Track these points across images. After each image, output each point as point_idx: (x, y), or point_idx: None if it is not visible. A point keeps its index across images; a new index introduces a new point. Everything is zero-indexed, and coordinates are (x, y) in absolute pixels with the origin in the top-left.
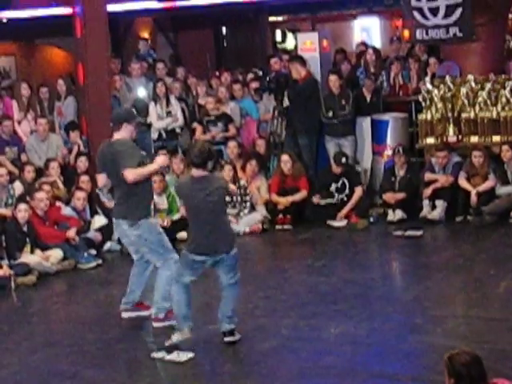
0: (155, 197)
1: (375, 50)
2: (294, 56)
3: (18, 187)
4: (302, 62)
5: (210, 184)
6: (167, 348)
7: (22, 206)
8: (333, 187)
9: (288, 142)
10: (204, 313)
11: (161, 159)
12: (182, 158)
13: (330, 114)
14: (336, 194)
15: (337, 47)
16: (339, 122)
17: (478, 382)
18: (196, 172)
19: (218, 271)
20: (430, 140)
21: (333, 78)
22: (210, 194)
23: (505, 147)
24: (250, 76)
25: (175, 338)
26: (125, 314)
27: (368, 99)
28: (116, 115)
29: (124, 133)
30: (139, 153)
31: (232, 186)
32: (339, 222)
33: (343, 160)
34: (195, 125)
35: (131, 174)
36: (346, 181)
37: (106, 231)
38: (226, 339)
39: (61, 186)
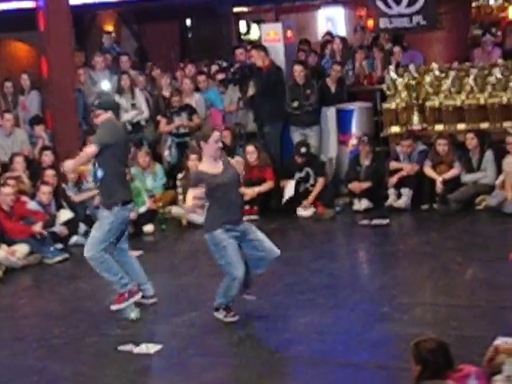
0: None
1: (342, 39)
2: (254, 45)
3: None
4: (263, 49)
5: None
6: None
7: None
8: (296, 176)
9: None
10: (170, 305)
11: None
12: (147, 150)
13: (295, 104)
14: (301, 184)
15: (301, 38)
16: (304, 112)
17: (444, 369)
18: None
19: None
20: (395, 129)
21: (298, 68)
22: (230, 171)
23: (469, 135)
24: (215, 67)
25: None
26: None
27: (333, 89)
28: (101, 102)
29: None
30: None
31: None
32: (306, 211)
33: (303, 150)
34: (159, 117)
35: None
36: (310, 170)
37: (72, 225)
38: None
39: (26, 180)
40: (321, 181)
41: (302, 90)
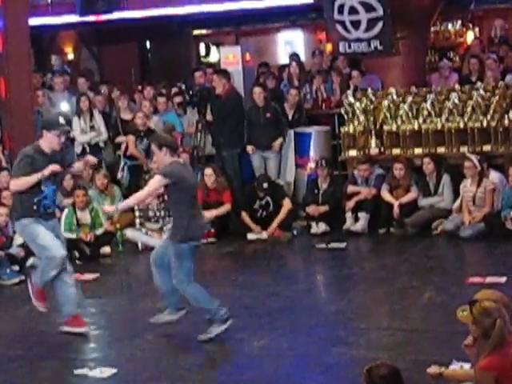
0: (78, 212)
1: (298, 62)
2: (218, 70)
3: None
4: (226, 75)
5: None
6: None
7: None
8: (257, 205)
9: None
10: (126, 328)
11: (50, 167)
12: (105, 173)
13: (254, 126)
14: (260, 211)
15: (261, 61)
16: (263, 134)
17: None
18: (179, 159)
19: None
20: (353, 152)
21: (257, 90)
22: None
23: (426, 159)
24: (174, 90)
25: (216, 330)
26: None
27: (290, 116)
28: (42, 121)
29: (43, 140)
30: (34, 164)
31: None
32: (258, 235)
33: (265, 185)
34: (121, 138)
35: (12, 185)
36: (269, 199)
37: (28, 247)
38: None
39: None
40: (286, 204)
41: (261, 112)
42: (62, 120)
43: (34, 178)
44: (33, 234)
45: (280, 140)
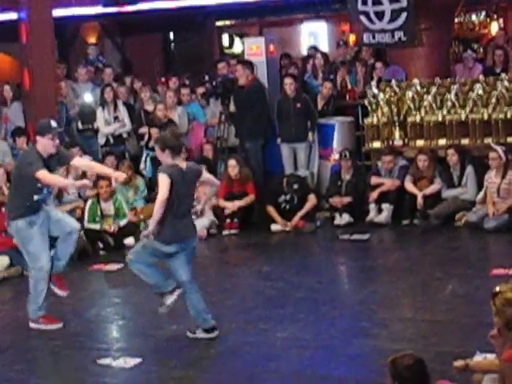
0: (102, 203)
1: (323, 54)
2: (241, 60)
3: None
4: (250, 66)
5: (191, 174)
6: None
7: None
8: (282, 199)
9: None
10: (151, 318)
11: (82, 182)
12: (129, 163)
13: (284, 117)
14: (284, 204)
15: (284, 52)
16: (293, 125)
17: None
18: (178, 159)
19: (175, 265)
20: (376, 144)
21: (288, 80)
22: (191, 184)
23: (450, 151)
24: (197, 81)
25: (168, 301)
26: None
27: (320, 107)
28: (36, 128)
29: (39, 145)
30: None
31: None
32: (280, 227)
33: (295, 186)
34: (144, 129)
35: (47, 179)
36: (295, 195)
37: (52, 238)
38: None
39: (7, 192)
40: (311, 199)
41: (291, 103)
42: (53, 123)
43: (65, 182)
44: (26, 239)
45: (311, 133)
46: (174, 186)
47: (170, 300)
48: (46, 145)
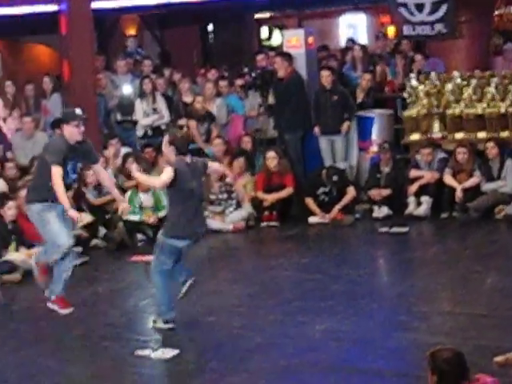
0: (140, 194)
1: (362, 46)
2: (281, 52)
3: (0, 185)
4: (288, 58)
5: (197, 168)
6: (152, 346)
7: (11, 204)
8: (320, 191)
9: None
10: (189, 309)
11: (75, 214)
12: None
13: (321, 109)
14: (323, 196)
15: (322, 44)
16: (330, 117)
17: (460, 378)
18: (186, 158)
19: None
20: (416, 136)
21: (325, 73)
22: (199, 177)
23: (490, 144)
24: (236, 73)
25: (160, 325)
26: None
27: (360, 99)
28: (60, 116)
29: (66, 133)
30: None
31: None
32: (320, 219)
33: (335, 178)
34: (183, 121)
35: (54, 178)
36: (334, 188)
37: (92, 228)
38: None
39: None
40: (350, 191)
41: (328, 95)
42: (77, 111)
43: (63, 198)
44: (44, 221)
45: (347, 123)
46: (182, 178)
47: (159, 325)
48: (71, 132)
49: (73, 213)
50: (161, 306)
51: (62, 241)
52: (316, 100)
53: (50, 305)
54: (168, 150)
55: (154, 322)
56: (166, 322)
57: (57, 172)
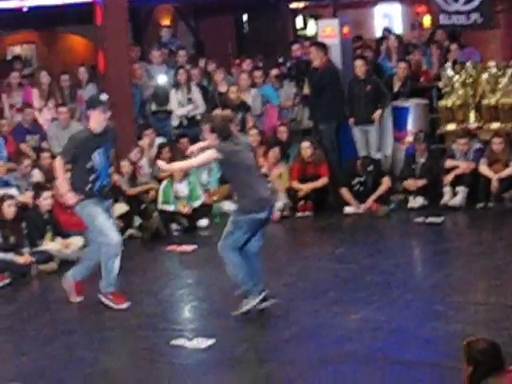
0: (176, 184)
1: (397, 36)
2: (316, 42)
3: (36, 175)
4: (324, 48)
5: (245, 145)
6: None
7: (46, 194)
8: (355, 181)
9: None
10: (224, 299)
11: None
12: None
13: (355, 99)
14: (358, 186)
15: (357, 34)
16: (364, 107)
17: (495, 369)
18: (231, 139)
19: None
20: (451, 126)
21: (359, 62)
22: (250, 152)
23: None
24: (271, 63)
25: (248, 305)
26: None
27: (396, 89)
28: (86, 103)
29: (92, 121)
30: (80, 151)
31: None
32: (355, 209)
33: (370, 168)
34: (218, 111)
35: (55, 166)
36: (369, 178)
37: (127, 219)
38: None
39: None
40: (385, 181)
41: (362, 85)
42: (103, 96)
43: (62, 186)
44: (92, 216)
45: (379, 111)
46: (234, 155)
47: (247, 306)
48: (98, 118)
49: (69, 195)
50: (244, 285)
51: (110, 238)
52: (350, 90)
53: (102, 298)
54: (211, 138)
55: (241, 307)
56: (260, 293)
57: (59, 163)
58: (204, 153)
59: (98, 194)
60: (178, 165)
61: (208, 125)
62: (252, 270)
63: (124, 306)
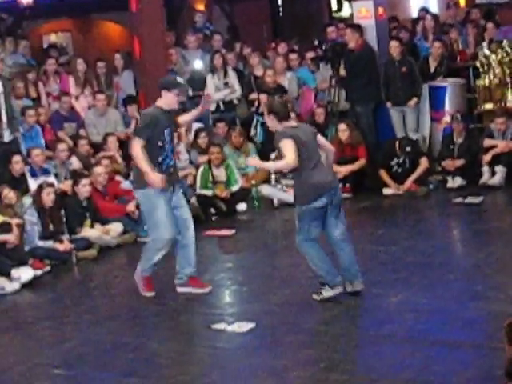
0: (213, 169)
1: (433, 16)
2: (351, 24)
3: (74, 162)
4: (359, 30)
5: (307, 129)
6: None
7: (85, 181)
8: (394, 162)
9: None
10: (264, 283)
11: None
12: (240, 130)
13: (391, 81)
14: (396, 167)
15: (392, 15)
16: (400, 89)
17: None
18: (290, 122)
19: (329, 219)
20: (489, 106)
21: (394, 44)
22: (312, 137)
23: None
24: (306, 46)
25: (327, 293)
26: (179, 289)
27: (432, 68)
28: (159, 82)
29: (163, 100)
30: (154, 127)
31: None
32: (394, 190)
33: (408, 149)
34: (254, 95)
35: (134, 149)
36: (407, 159)
37: None
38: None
39: (119, 160)
40: (424, 162)
41: (397, 66)
42: (179, 80)
43: (145, 168)
44: (151, 207)
45: (415, 99)
46: (298, 144)
47: (327, 294)
48: (170, 99)
49: (153, 176)
50: (326, 277)
51: (162, 233)
52: (385, 71)
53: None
54: (270, 120)
55: (317, 293)
56: (334, 286)
57: (137, 145)
58: (285, 147)
59: (165, 173)
60: (272, 164)
61: (266, 106)
62: (342, 259)
63: (148, 294)
